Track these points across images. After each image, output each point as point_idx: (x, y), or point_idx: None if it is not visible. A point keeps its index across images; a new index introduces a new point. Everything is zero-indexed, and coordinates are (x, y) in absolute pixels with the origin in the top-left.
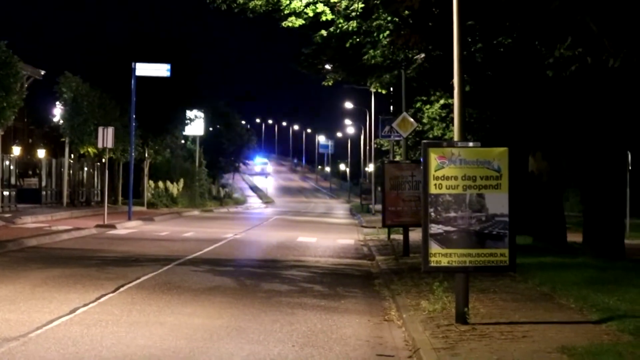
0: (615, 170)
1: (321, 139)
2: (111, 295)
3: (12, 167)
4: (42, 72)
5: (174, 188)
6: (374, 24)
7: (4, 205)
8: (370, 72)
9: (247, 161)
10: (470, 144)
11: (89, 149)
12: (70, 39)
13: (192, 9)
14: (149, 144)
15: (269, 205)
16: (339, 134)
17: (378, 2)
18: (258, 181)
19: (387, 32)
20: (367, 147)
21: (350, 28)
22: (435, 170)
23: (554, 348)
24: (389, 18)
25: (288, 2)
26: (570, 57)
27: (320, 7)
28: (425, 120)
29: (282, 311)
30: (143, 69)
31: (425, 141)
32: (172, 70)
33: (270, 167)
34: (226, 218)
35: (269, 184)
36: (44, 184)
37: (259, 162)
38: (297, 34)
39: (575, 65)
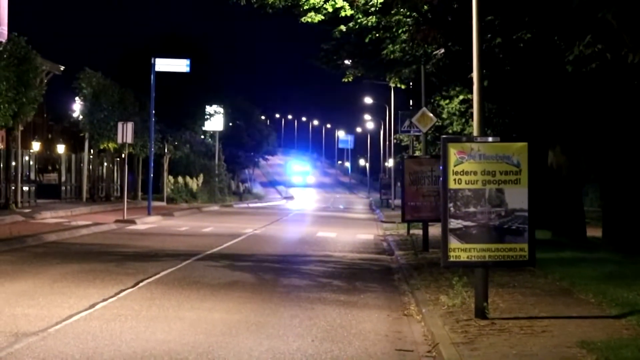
0: (634, 165)
1: (341, 134)
2: (130, 290)
3: (31, 163)
4: (62, 68)
5: (194, 183)
6: (393, 19)
7: (24, 200)
8: (389, 68)
9: (266, 157)
10: (490, 139)
11: (109, 145)
12: (89, 34)
13: (212, 5)
14: (168, 139)
15: (289, 200)
16: (359, 129)
17: None
18: (296, 193)
19: (406, 27)
20: (387, 142)
21: (369, 23)
22: (455, 165)
23: (573, 343)
24: (408, 13)
25: None
26: (590, 55)
27: (340, 2)
28: (444, 116)
29: (301, 306)
30: (162, 65)
31: (444, 136)
32: (191, 65)
33: (312, 178)
34: (246, 213)
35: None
36: (63, 179)
37: (299, 171)
38: (316, 30)
39: (595, 63)
